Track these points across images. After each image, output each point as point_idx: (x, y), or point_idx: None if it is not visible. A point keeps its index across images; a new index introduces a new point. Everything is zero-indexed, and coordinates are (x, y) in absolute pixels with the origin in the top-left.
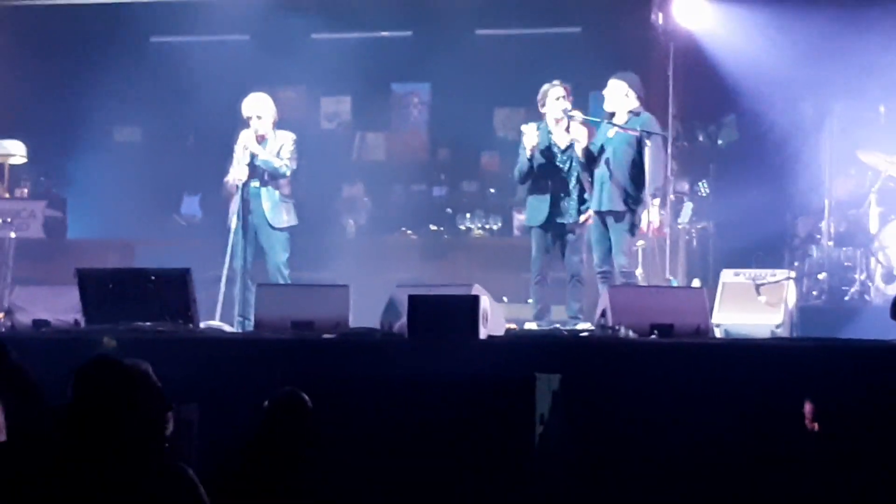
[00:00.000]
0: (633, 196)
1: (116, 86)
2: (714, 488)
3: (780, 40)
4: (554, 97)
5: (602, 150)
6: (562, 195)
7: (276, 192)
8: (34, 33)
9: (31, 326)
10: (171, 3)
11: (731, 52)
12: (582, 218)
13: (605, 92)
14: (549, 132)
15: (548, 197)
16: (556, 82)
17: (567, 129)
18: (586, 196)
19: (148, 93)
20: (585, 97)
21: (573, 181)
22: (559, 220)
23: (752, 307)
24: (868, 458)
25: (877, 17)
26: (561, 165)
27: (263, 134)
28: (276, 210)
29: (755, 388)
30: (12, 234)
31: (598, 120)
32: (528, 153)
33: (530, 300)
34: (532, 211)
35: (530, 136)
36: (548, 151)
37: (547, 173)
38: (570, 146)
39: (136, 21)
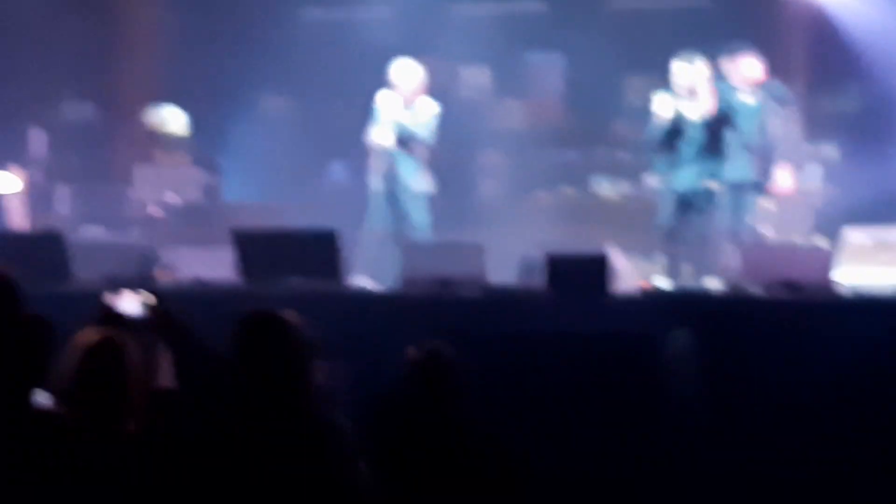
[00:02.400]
0: (765, 161)
1: (266, 57)
2: (839, 443)
3: None
4: (681, 69)
5: (731, 117)
6: (687, 161)
7: (418, 158)
8: (193, 8)
9: (190, 284)
10: None
11: (857, 18)
12: (710, 184)
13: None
14: (679, 100)
15: (676, 162)
16: (684, 55)
17: (694, 94)
18: (710, 164)
19: (296, 64)
20: (716, 66)
21: (697, 149)
22: (686, 186)
23: (875, 264)
24: None
25: None
26: (689, 134)
27: (410, 100)
28: (416, 175)
29: (880, 341)
30: (173, 198)
31: (724, 83)
32: (659, 121)
33: (661, 259)
34: (661, 174)
35: (661, 105)
36: (677, 120)
37: (675, 141)
38: (700, 116)
39: None
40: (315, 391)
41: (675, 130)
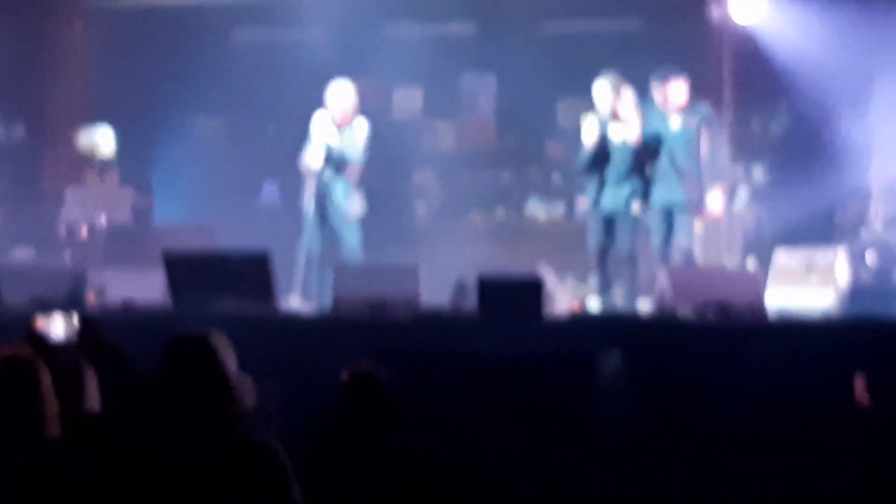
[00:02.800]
0: (693, 184)
1: (199, 79)
2: (769, 461)
3: (832, 29)
4: (602, 90)
5: (660, 139)
6: (613, 182)
7: (349, 181)
8: (124, 31)
9: (120, 306)
10: (252, 2)
11: (784, 42)
12: (634, 206)
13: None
14: (606, 124)
15: (603, 184)
16: (605, 75)
17: (619, 116)
18: (636, 185)
19: (229, 85)
20: (645, 88)
21: (623, 170)
22: (613, 206)
23: (804, 286)
24: None
25: None
26: (613, 155)
27: (343, 121)
28: (347, 197)
29: (808, 363)
30: (103, 219)
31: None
32: (587, 143)
33: (592, 278)
34: (589, 197)
35: (589, 131)
36: (603, 141)
37: (603, 162)
38: (623, 138)
39: (219, 18)
40: (245, 414)
41: (602, 152)
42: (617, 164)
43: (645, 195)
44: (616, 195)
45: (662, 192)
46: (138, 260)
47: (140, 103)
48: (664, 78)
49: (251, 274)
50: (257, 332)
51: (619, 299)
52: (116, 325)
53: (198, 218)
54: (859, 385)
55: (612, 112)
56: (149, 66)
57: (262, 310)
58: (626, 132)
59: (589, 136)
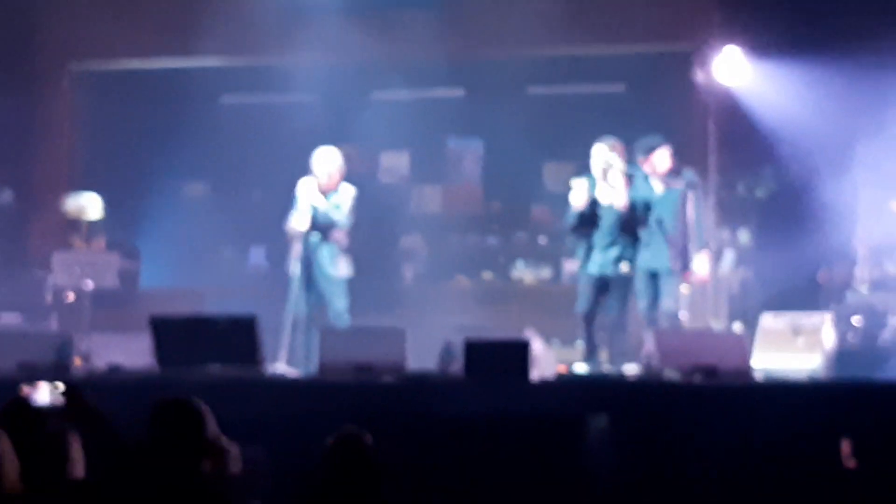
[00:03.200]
0: (680, 249)
1: (187, 143)
2: None
3: (816, 95)
4: (598, 153)
5: (647, 205)
6: (604, 247)
7: (335, 244)
8: (112, 94)
9: (106, 371)
10: (239, 66)
11: (768, 107)
12: (623, 268)
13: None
14: (595, 185)
15: (591, 248)
16: (604, 139)
17: (605, 179)
18: (624, 249)
19: (217, 150)
20: (631, 150)
21: (611, 234)
22: (601, 270)
23: (790, 349)
24: None
25: None
26: (602, 219)
27: (329, 187)
28: (333, 261)
29: (795, 427)
30: (89, 284)
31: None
32: (576, 206)
33: (579, 342)
34: (579, 259)
35: (578, 189)
36: (593, 205)
37: (591, 225)
38: (612, 203)
39: (207, 82)
40: (231, 478)
41: (591, 215)
42: (606, 227)
43: (632, 259)
44: (605, 258)
45: (648, 257)
46: (125, 324)
47: (127, 167)
48: (649, 149)
49: (238, 338)
50: (244, 397)
51: (605, 363)
52: (102, 389)
53: (185, 282)
54: (846, 448)
55: (604, 176)
56: (136, 131)
57: (249, 374)
58: (615, 197)
59: (578, 197)
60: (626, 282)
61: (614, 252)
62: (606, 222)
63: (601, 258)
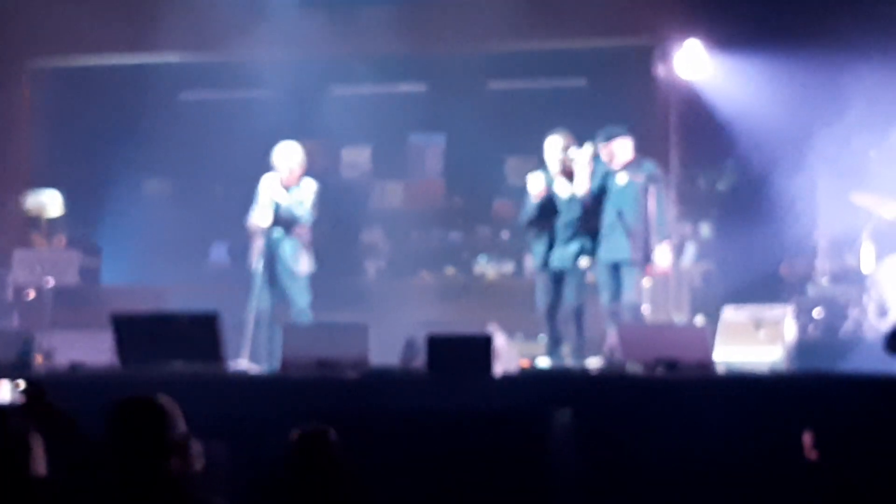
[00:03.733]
0: (641, 241)
1: (147, 140)
2: None
3: (776, 88)
4: (554, 147)
5: (606, 194)
6: (560, 241)
7: (297, 240)
8: (70, 91)
9: (68, 368)
10: (199, 62)
11: (729, 100)
12: (582, 263)
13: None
14: (552, 180)
15: (549, 241)
16: (557, 132)
17: (568, 173)
18: (584, 242)
19: (177, 147)
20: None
21: (571, 227)
22: (559, 264)
23: (752, 342)
24: (863, 486)
25: (869, 67)
26: (560, 212)
27: (290, 182)
28: (296, 256)
29: (757, 419)
30: (50, 281)
31: (605, 170)
32: (534, 200)
33: (542, 337)
34: (535, 254)
35: (535, 184)
36: (550, 199)
37: (549, 219)
38: (570, 195)
39: (167, 79)
40: (193, 475)
41: (549, 209)
42: (564, 222)
43: (592, 252)
44: (564, 252)
45: (610, 249)
46: (86, 322)
47: (87, 164)
48: (609, 137)
49: (200, 335)
50: (206, 393)
51: (567, 356)
52: (64, 387)
53: (146, 279)
54: (807, 440)
55: (561, 169)
56: (96, 127)
57: (211, 370)
58: (576, 186)
59: (535, 191)
60: (581, 273)
61: (575, 246)
62: (566, 216)
63: (561, 252)
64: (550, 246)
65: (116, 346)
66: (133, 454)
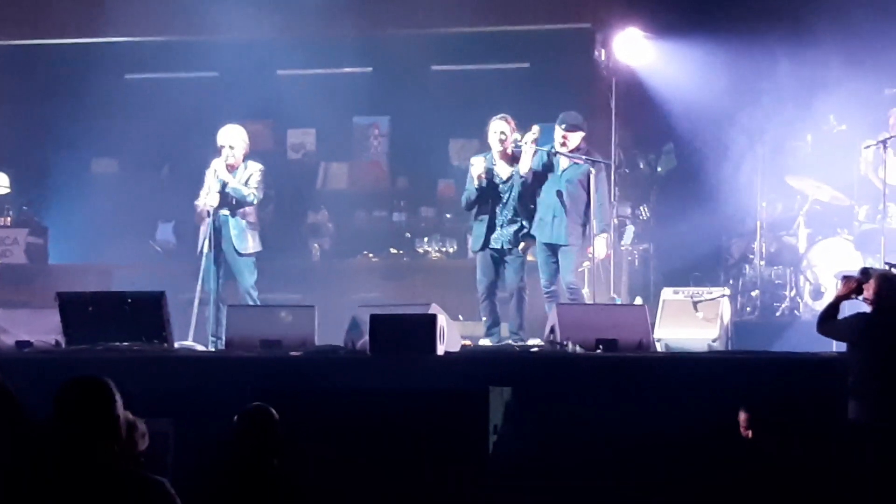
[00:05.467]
0: (582, 224)
1: (94, 120)
2: (655, 492)
3: (715, 74)
4: (494, 130)
5: (547, 177)
6: (500, 222)
7: (243, 220)
8: (17, 71)
9: (13, 347)
10: (145, 43)
11: (669, 85)
12: (521, 244)
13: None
14: (494, 163)
15: (488, 223)
16: (497, 116)
17: (513, 158)
18: (524, 223)
19: (123, 127)
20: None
21: (511, 209)
22: (497, 245)
23: (690, 323)
24: (796, 461)
25: (805, 55)
26: (501, 195)
27: (234, 163)
28: (242, 237)
29: (694, 397)
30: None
31: (547, 149)
32: (475, 182)
33: (483, 318)
34: (475, 236)
35: (477, 166)
36: (490, 181)
37: (488, 201)
38: (511, 177)
39: (113, 59)
40: (137, 453)
41: (489, 191)
42: (504, 204)
43: (532, 234)
44: (504, 234)
45: (550, 231)
46: (33, 301)
47: (34, 144)
48: (570, 127)
49: (146, 314)
50: (151, 372)
51: (507, 337)
52: (10, 365)
53: (93, 258)
54: (742, 419)
55: (502, 151)
56: (43, 108)
57: (157, 350)
58: (520, 166)
59: (476, 174)
60: (523, 256)
61: (514, 227)
62: (505, 199)
63: (501, 233)
64: (490, 227)
65: (63, 325)
66: (79, 434)
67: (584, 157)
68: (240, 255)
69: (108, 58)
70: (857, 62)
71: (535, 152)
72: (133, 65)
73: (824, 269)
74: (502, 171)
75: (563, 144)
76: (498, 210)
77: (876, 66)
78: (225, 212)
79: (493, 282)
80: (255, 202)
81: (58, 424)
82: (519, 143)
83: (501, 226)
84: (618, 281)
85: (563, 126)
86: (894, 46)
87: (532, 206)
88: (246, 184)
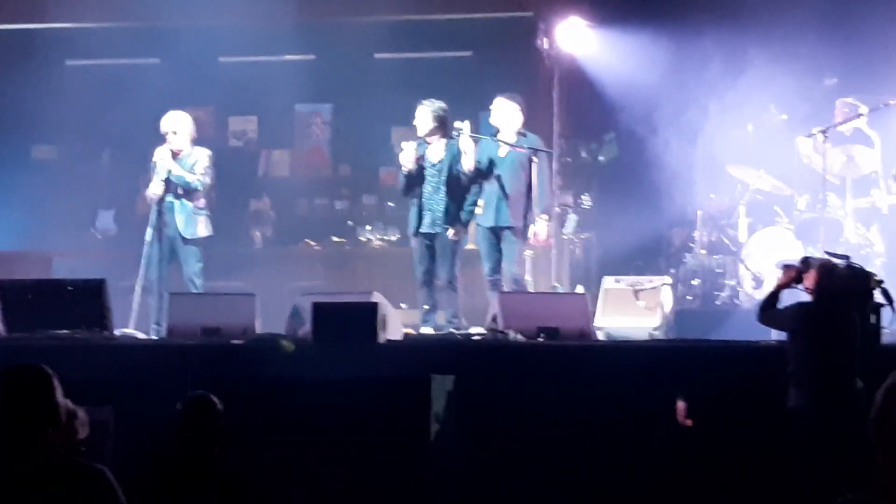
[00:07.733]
0: (524, 211)
1: (34, 107)
2: (595, 479)
3: (656, 63)
4: (423, 115)
5: (491, 166)
6: (431, 207)
7: (190, 205)
8: None
9: None
10: (86, 29)
11: (610, 74)
12: (451, 232)
13: (493, 110)
14: (424, 148)
15: (419, 208)
16: (425, 102)
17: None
18: (453, 207)
19: (64, 113)
20: (476, 116)
21: (441, 194)
22: (429, 230)
23: (631, 311)
24: (735, 449)
25: (745, 44)
26: (431, 179)
27: (179, 149)
28: (189, 222)
29: (635, 385)
30: None
31: (486, 138)
32: (405, 168)
33: (424, 305)
34: (409, 219)
35: (407, 152)
36: (420, 166)
37: (420, 186)
38: (441, 161)
39: (53, 45)
40: (77, 442)
41: (419, 176)
42: (434, 188)
43: (461, 219)
44: (433, 218)
45: (491, 218)
46: None
47: None
48: (506, 99)
49: (86, 301)
50: (92, 360)
51: (444, 323)
52: None
53: (32, 245)
54: (680, 407)
55: (429, 136)
56: None
57: (97, 337)
58: (464, 163)
59: (406, 160)
60: (454, 242)
61: (439, 213)
62: (436, 181)
63: (431, 218)
64: (421, 211)
65: (1, 313)
66: (18, 422)
67: (525, 146)
68: (186, 241)
69: (49, 43)
70: (796, 53)
71: (477, 142)
72: (74, 51)
73: (764, 258)
74: (432, 155)
75: (504, 122)
76: (429, 195)
77: (815, 56)
78: (170, 198)
79: (429, 268)
80: (202, 188)
81: None
82: (458, 127)
83: (431, 209)
84: (559, 269)
85: (499, 100)
86: (832, 38)
87: (462, 192)
88: (192, 169)
